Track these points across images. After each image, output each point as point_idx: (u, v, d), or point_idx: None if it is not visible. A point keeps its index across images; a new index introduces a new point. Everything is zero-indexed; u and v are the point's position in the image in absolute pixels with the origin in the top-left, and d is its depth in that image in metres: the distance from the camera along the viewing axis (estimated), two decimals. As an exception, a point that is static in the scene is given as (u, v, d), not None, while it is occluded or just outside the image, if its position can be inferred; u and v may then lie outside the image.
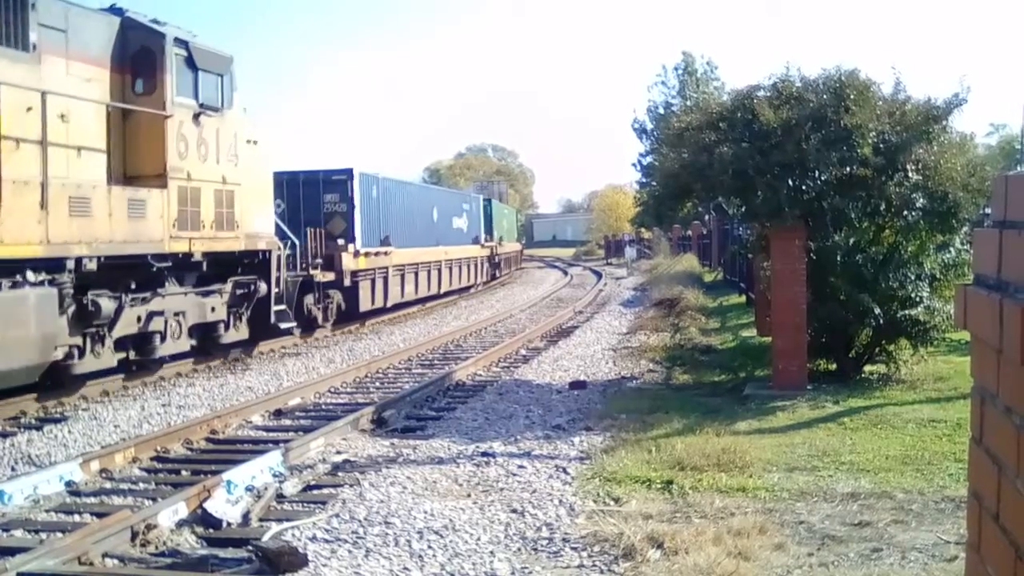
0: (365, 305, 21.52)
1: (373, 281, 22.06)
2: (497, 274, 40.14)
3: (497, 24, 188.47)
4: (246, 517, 6.74)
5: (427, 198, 29.36)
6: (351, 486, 7.41)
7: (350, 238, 20.98)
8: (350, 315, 20.97)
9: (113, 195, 11.82)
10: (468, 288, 33.07)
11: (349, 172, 21.49)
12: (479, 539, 6.02)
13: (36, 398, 11.42)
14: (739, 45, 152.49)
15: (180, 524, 6.59)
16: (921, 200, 10.62)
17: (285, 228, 17.23)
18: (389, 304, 23.31)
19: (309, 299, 18.63)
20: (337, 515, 6.56)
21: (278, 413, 11.10)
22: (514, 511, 6.61)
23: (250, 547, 5.76)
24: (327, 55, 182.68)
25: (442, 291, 28.66)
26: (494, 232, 39.67)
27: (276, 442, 9.19)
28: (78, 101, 11.32)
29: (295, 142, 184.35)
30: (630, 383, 12.53)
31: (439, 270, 28.33)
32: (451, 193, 34.67)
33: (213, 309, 14.33)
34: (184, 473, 8.34)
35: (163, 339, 13.16)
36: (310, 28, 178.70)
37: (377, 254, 22.25)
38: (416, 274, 25.67)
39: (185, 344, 13.76)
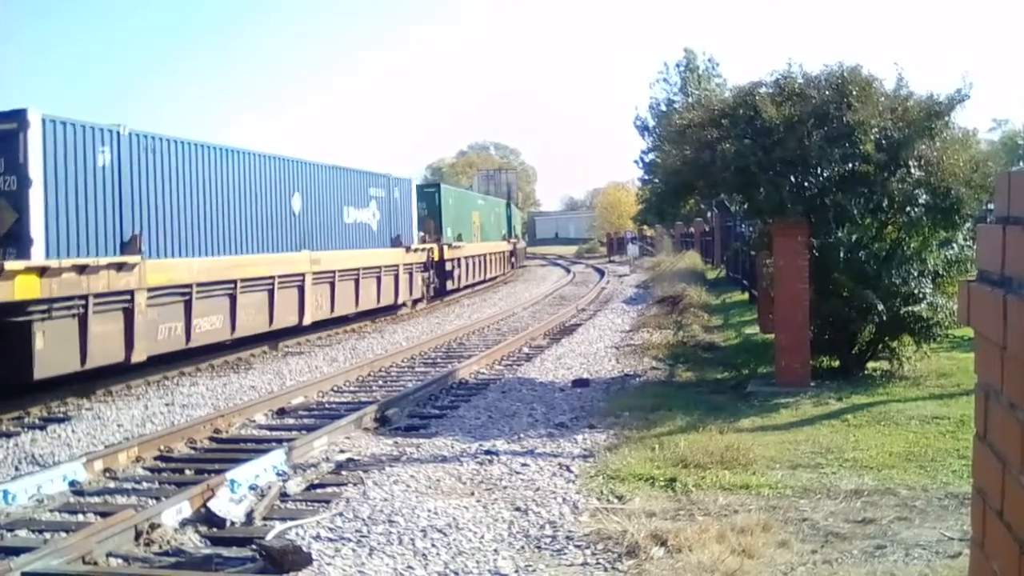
0: (51, 367, 11.26)
1: (83, 318, 11.78)
2: (449, 286, 28.85)
3: (498, 22, 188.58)
4: (250, 516, 6.75)
5: (274, 176, 17.49)
6: (355, 485, 7.41)
7: (23, 239, 11.28)
8: (19, 385, 11.19)
9: None
10: (390, 308, 23.30)
11: (20, 116, 11.36)
12: (483, 537, 6.02)
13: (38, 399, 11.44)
14: (741, 42, 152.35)
15: (184, 523, 6.60)
16: (924, 196, 10.62)
17: None
18: (138, 357, 12.85)
19: None
20: (341, 514, 6.57)
21: (281, 412, 11.11)
22: (518, 509, 6.62)
23: (254, 546, 5.76)
24: (327, 55, 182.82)
25: (308, 320, 18.18)
26: (446, 229, 29.18)
27: (280, 441, 9.20)
28: None
29: (295, 142, 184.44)
30: (633, 381, 12.52)
31: (300, 288, 17.76)
32: (339, 171, 20.75)
33: None
34: (188, 472, 8.36)
35: None
36: (310, 28, 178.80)
37: (88, 270, 11.72)
38: (231, 299, 15.26)
39: None
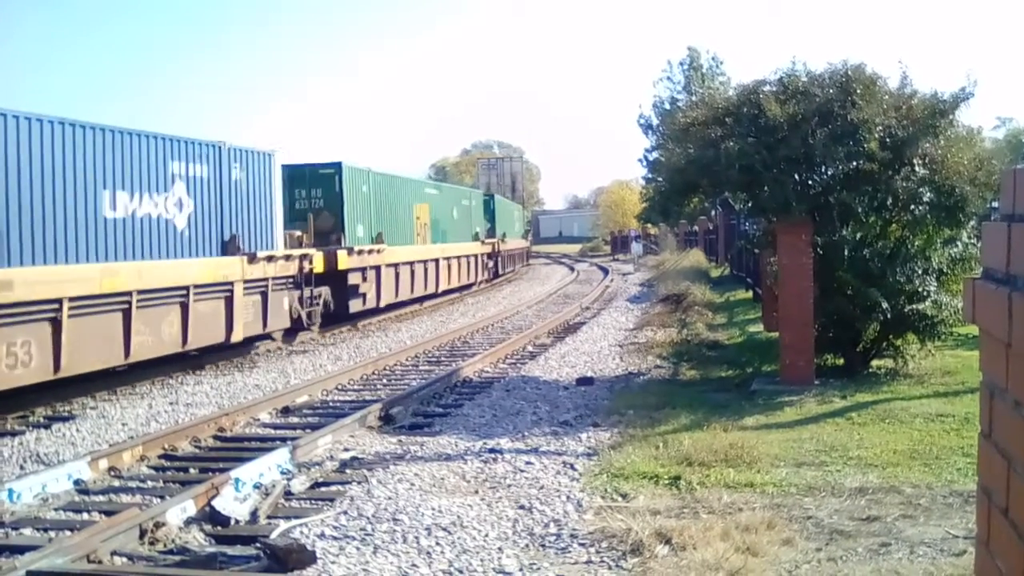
0: None
1: None
2: (355, 307, 20.36)
3: (501, 21, 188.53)
4: (254, 515, 6.76)
5: None
6: (359, 483, 7.42)
7: None
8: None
9: None
10: (227, 348, 15.57)
11: None
12: (487, 535, 6.02)
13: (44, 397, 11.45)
14: (745, 40, 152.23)
15: (188, 522, 6.60)
16: (928, 194, 10.60)
17: None
18: None
19: None
20: (345, 512, 6.57)
21: (286, 410, 11.12)
22: (522, 507, 6.62)
23: (258, 544, 5.77)
24: (328, 55, 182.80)
25: None
26: (354, 227, 20.76)
27: (284, 439, 9.21)
28: None
29: (296, 142, 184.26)
30: (637, 379, 12.53)
31: None
32: (88, 131, 12.16)
33: None
34: (192, 471, 8.36)
35: None
36: (310, 28, 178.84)
37: None
38: None
39: None
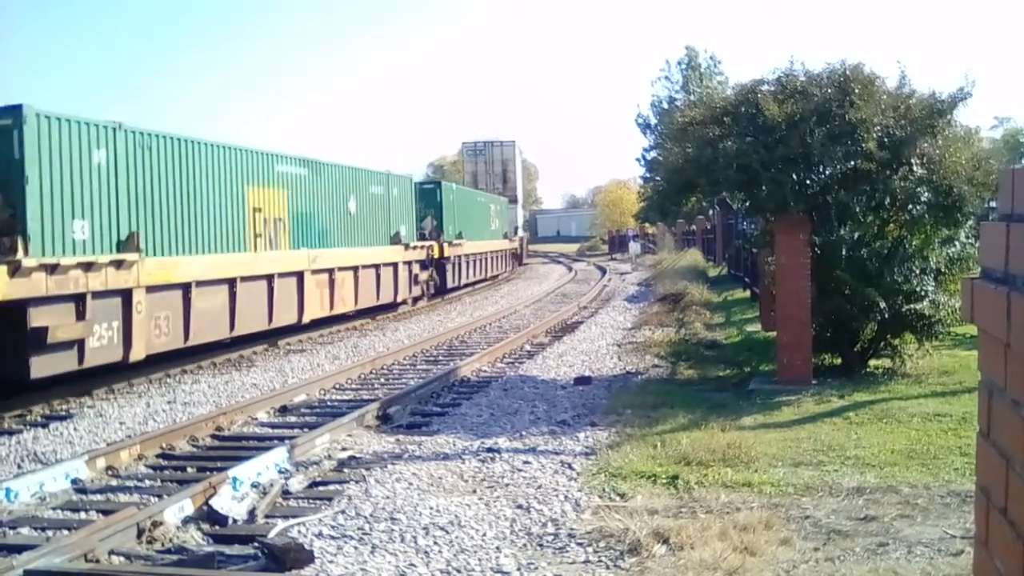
0: None
1: None
2: (35, 372, 10.61)
3: (499, 20, 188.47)
4: (252, 514, 6.75)
5: None
6: (357, 482, 7.42)
7: None
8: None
9: None
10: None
11: None
12: (485, 535, 6.02)
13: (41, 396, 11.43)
14: (743, 40, 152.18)
15: (186, 521, 6.60)
16: (926, 194, 10.61)
17: None
18: None
19: None
20: (343, 511, 6.57)
21: (283, 410, 11.11)
22: (519, 507, 6.62)
23: (256, 544, 5.77)
24: (327, 55, 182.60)
25: None
26: (41, 220, 10.94)
27: (282, 439, 9.20)
28: None
29: (295, 142, 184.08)
30: (635, 378, 12.52)
31: None
32: None
33: None
34: (190, 470, 8.36)
35: None
36: (310, 28, 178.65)
37: None
38: None
39: None
